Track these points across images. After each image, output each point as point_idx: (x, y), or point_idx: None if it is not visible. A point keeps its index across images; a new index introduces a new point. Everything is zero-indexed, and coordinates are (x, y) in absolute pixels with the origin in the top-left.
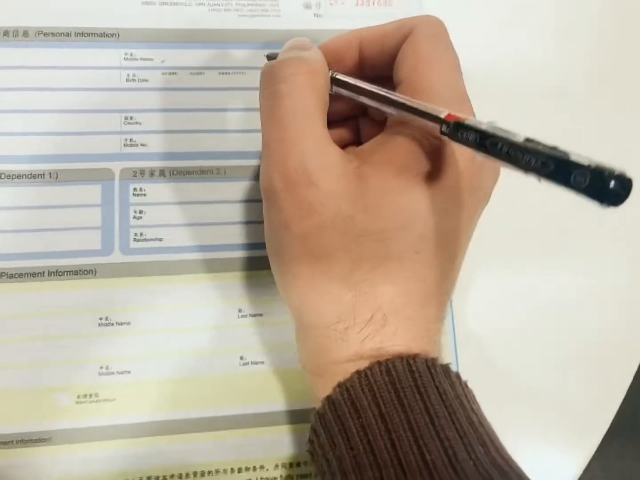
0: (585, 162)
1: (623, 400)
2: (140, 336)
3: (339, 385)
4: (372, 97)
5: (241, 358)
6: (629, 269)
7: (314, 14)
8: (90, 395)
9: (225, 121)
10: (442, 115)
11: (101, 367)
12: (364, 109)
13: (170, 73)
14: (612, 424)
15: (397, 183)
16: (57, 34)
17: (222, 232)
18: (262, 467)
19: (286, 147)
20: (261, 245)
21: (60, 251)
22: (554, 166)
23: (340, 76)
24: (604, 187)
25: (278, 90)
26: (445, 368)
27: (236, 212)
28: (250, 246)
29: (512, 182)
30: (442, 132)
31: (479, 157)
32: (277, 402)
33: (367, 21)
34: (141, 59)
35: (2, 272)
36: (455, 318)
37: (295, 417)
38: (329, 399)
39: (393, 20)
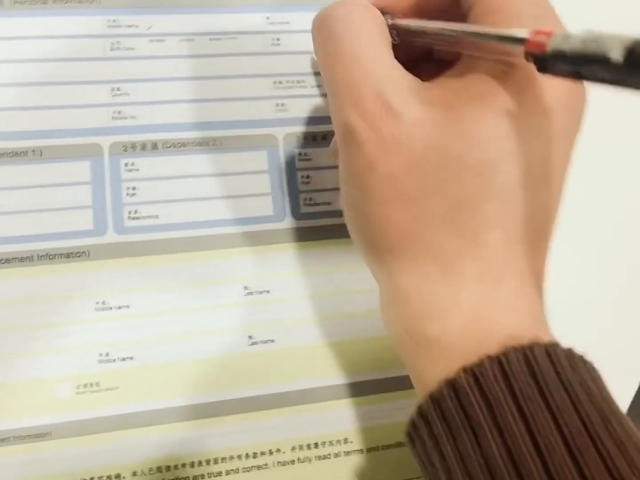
0: None
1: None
2: (140, 319)
3: (465, 369)
4: (439, 36)
5: (249, 337)
6: None
7: None
8: (91, 385)
9: (219, 89)
10: (525, 37)
11: (101, 354)
12: (425, 54)
13: (157, 40)
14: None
15: (490, 107)
16: (34, 2)
17: (222, 206)
18: (278, 450)
19: (358, 83)
20: (264, 219)
21: (49, 233)
22: None
23: (399, 21)
24: None
25: (335, 30)
26: (582, 358)
27: (236, 185)
28: (252, 220)
29: None
30: (528, 61)
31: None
32: (288, 383)
33: None
34: (126, 25)
35: None
36: None
37: (309, 396)
38: (449, 383)
39: None
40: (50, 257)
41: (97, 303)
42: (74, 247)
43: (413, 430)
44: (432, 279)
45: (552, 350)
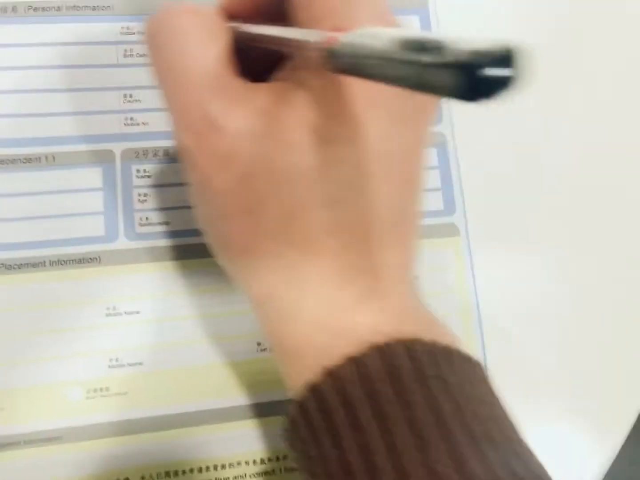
0: (447, 57)
1: None
2: (150, 325)
3: (325, 372)
4: (262, 40)
5: (258, 344)
6: None
7: None
8: (101, 390)
9: None
10: (319, 39)
11: (111, 360)
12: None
13: None
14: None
15: (307, 115)
16: (48, 9)
17: None
18: (285, 457)
19: (183, 98)
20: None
21: (61, 239)
22: (415, 75)
23: (243, 27)
24: (473, 84)
25: (157, 41)
26: (446, 349)
27: None
28: None
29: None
30: (325, 66)
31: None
32: None
33: None
34: (139, 32)
35: (0, 264)
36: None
37: None
38: (311, 388)
39: None
40: (62, 262)
41: (108, 308)
42: (85, 253)
43: (286, 434)
44: (277, 287)
45: (410, 346)
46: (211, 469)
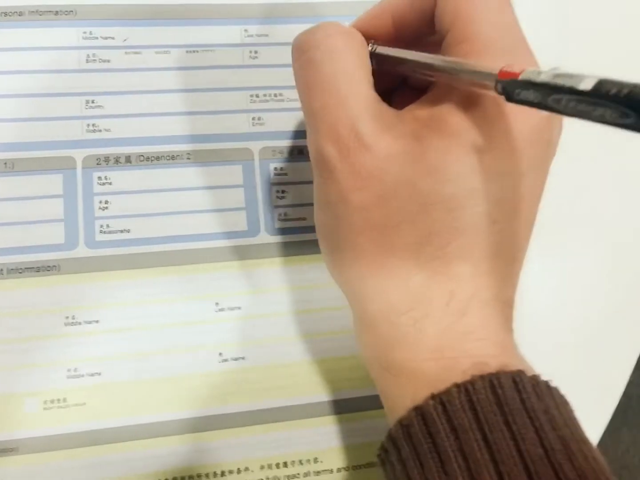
0: None
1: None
2: (109, 335)
3: (433, 397)
4: (416, 65)
5: (220, 355)
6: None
7: None
8: (58, 400)
9: (194, 102)
10: (494, 72)
11: (69, 370)
12: (401, 82)
13: (133, 52)
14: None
15: (459, 143)
16: (9, 14)
17: (194, 221)
18: (246, 469)
19: (334, 113)
20: (236, 234)
21: (19, 247)
22: (636, 115)
23: (380, 49)
24: None
25: (313, 56)
26: (547, 385)
27: (209, 199)
28: (224, 235)
29: None
30: (498, 93)
31: (545, 114)
32: (258, 401)
33: None
34: (101, 37)
35: None
36: None
37: (279, 414)
38: (417, 410)
39: None
40: (20, 271)
41: (67, 318)
42: (44, 261)
43: (384, 454)
44: (399, 308)
45: (518, 379)
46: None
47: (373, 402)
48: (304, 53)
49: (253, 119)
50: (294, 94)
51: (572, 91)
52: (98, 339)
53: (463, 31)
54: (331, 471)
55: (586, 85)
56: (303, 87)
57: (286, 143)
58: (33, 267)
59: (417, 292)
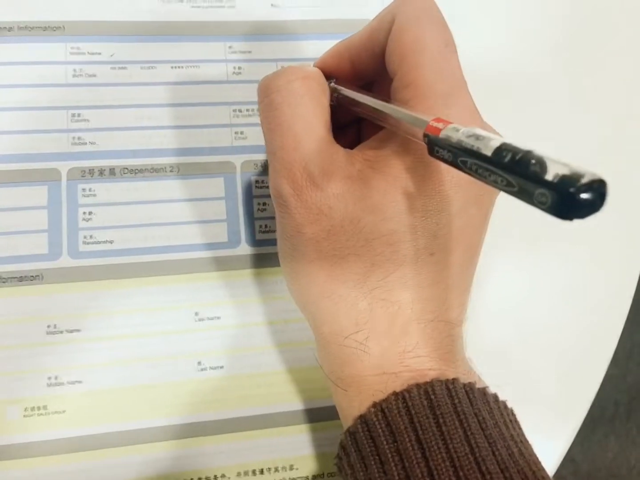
0: (549, 176)
1: (604, 390)
2: (91, 344)
3: (374, 405)
4: (361, 108)
5: (199, 363)
6: (608, 261)
7: (271, 4)
8: (39, 408)
9: (178, 117)
10: (425, 123)
11: (49, 378)
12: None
13: (119, 67)
14: (594, 414)
15: (399, 185)
16: None
17: (176, 233)
18: (223, 476)
19: (290, 154)
20: (217, 245)
21: (3, 257)
22: (517, 187)
23: (337, 86)
24: (570, 204)
25: (274, 100)
26: (483, 392)
27: (190, 211)
28: (205, 246)
29: None
30: (425, 144)
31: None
32: (236, 409)
33: (327, 10)
34: (88, 53)
35: None
36: None
37: (255, 422)
38: (362, 418)
39: (377, 14)
40: (3, 280)
41: (49, 326)
42: (27, 271)
43: (338, 461)
44: (346, 330)
45: (451, 386)
46: None
47: None
48: (266, 96)
49: (236, 133)
50: None
51: (476, 155)
52: (79, 347)
53: (407, 76)
54: (306, 478)
55: (488, 150)
56: (264, 127)
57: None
58: (16, 277)
59: (363, 316)
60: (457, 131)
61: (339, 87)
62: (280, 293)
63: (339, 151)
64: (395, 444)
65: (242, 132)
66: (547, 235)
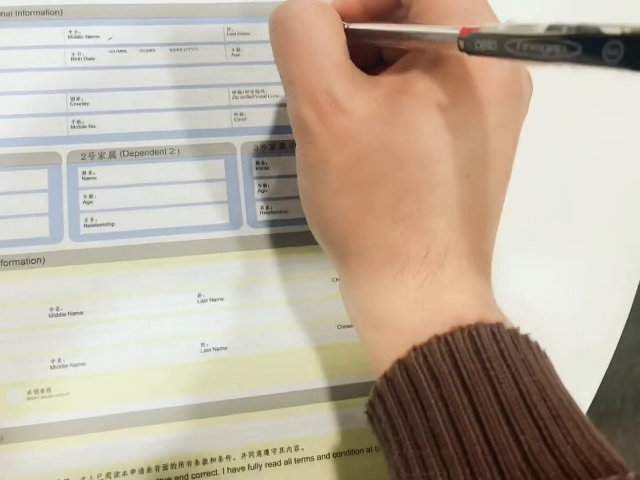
0: (617, 31)
1: (611, 385)
2: (94, 326)
3: (414, 348)
4: (384, 36)
5: (202, 345)
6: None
7: None
8: (42, 390)
9: (177, 99)
10: (456, 31)
11: (53, 360)
12: (376, 58)
13: (118, 50)
14: (601, 409)
15: (429, 103)
16: None
17: (177, 214)
18: (228, 457)
19: (310, 79)
20: (219, 227)
21: (4, 240)
22: (582, 47)
23: (352, 26)
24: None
25: (288, 27)
26: (526, 338)
27: (191, 193)
28: (206, 228)
29: None
30: (461, 50)
31: (505, 64)
32: (239, 390)
33: None
34: (87, 36)
35: None
36: None
37: (259, 403)
38: (400, 363)
39: None
40: (5, 263)
41: (51, 309)
42: (29, 254)
43: (371, 409)
44: (378, 264)
45: (496, 330)
46: (153, 469)
47: (353, 391)
48: (280, 24)
49: (235, 114)
50: (275, 90)
51: (526, 36)
52: (82, 330)
53: (424, 2)
54: (312, 458)
55: (539, 29)
56: (280, 57)
57: (268, 138)
58: (18, 260)
59: (395, 247)
60: (497, 27)
61: (354, 26)
62: (282, 274)
63: (363, 76)
64: (439, 389)
65: (241, 114)
66: (548, 231)
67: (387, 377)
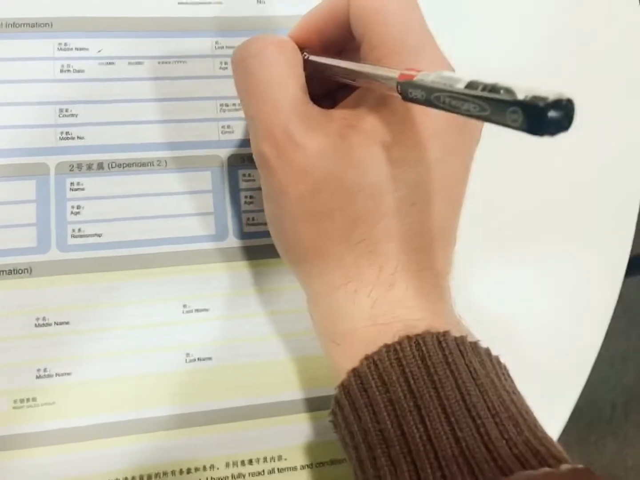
0: (518, 97)
1: (601, 391)
2: (80, 336)
3: (366, 357)
4: (338, 72)
5: (187, 355)
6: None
7: (257, 1)
8: (28, 400)
9: (165, 111)
10: (395, 75)
11: (39, 370)
12: (340, 85)
13: (107, 63)
14: (591, 416)
15: (376, 139)
16: None
17: (164, 226)
18: (212, 466)
19: (269, 117)
20: (205, 238)
21: None
22: (490, 109)
23: (311, 58)
24: (540, 120)
25: (249, 65)
26: (474, 345)
27: (178, 205)
28: (192, 239)
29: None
30: (398, 92)
31: (435, 111)
32: (224, 400)
33: (312, 6)
34: (76, 48)
35: None
36: None
37: (244, 413)
38: (354, 372)
39: None
40: None
41: (38, 319)
42: (16, 264)
43: (333, 417)
44: (335, 285)
45: (442, 338)
46: (137, 478)
47: None
48: (241, 62)
49: (223, 127)
50: None
51: (449, 90)
52: (68, 339)
53: (375, 37)
54: (295, 468)
55: (459, 85)
56: (242, 95)
57: None
58: (5, 270)
59: (350, 270)
60: (429, 76)
61: (312, 57)
62: (267, 285)
63: (317, 111)
64: (388, 394)
65: (229, 126)
66: (535, 234)
67: (344, 386)
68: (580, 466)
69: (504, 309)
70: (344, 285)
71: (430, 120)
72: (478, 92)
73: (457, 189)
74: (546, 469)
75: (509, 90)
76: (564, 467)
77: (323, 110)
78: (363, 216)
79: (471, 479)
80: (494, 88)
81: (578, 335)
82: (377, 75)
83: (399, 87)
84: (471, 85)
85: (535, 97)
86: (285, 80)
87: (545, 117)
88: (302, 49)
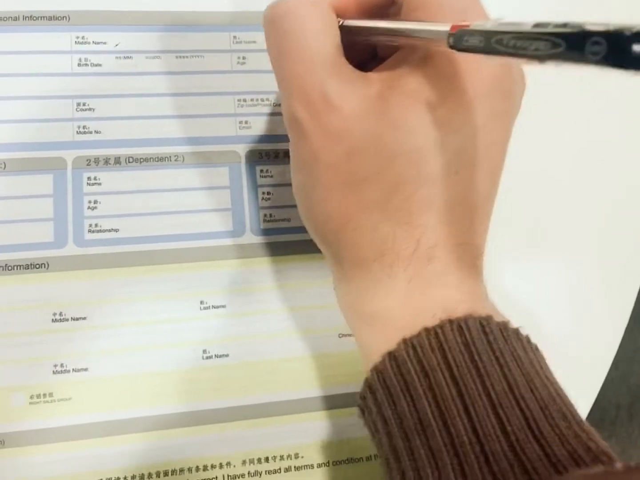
0: (600, 28)
1: (606, 393)
2: (97, 331)
3: (404, 341)
4: (377, 33)
5: (204, 351)
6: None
7: None
8: (45, 395)
9: (182, 106)
10: (446, 28)
11: (55, 365)
12: (371, 54)
13: (125, 57)
14: (596, 417)
15: (419, 100)
16: (5, 19)
17: (181, 221)
18: (228, 463)
19: (303, 78)
20: (222, 234)
21: (9, 244)
22: (565, 44)
23: (346, 22)
24: (625, 50)
25: (282, 24)
26: (516, 331)
27: (195, 200)
28: (210, 235)
29: None
30: (450, 47)
31: (494, 60)
32: (241, 397)
33: None
34: (94, 42)
35: None
36: None
37: (261, 410)
38: (390, 355)
39: None
40: (10, 268)
41: (55, 314)
42: (33, 259)
43: (362, 401)
44: (368, 259)
45: (485, 322)
46: (154, 476)
47: (353, 400)
48: (272, 21)
49: (240, 122)
50: (279, 98)
51: (514, 32)
52: (85, 335)
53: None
54: (312, 466)
55: (526, 27)
56: (274, 55)
57: (272, 146)
58: (22, 265)
59: (385, 242)
60: (486, 24)
61: (347, 21)
62: (284, 281)
63: (355, 72)
64: (428, 380)
65: (246, 122)
66: (548, 237)
67: (378, 369)
68: (633, 464)
69: (514, 308)
70: (379, 258)
71: (479, 82)
72: (550, 29)
73: (498, 157)
74: (605, 468)
75: (578, 26)
76: (619, 465)
77: (361, 72)
78: (402, 183)
79: (523, 477)
80: (567, 25)
81: (595, 337)
82: (424, 30)
83: (450, 39)
84: (539, 25)
85: (620, 27)
86: (321, 38)
87: (630, 47)
88: (337, 16)
